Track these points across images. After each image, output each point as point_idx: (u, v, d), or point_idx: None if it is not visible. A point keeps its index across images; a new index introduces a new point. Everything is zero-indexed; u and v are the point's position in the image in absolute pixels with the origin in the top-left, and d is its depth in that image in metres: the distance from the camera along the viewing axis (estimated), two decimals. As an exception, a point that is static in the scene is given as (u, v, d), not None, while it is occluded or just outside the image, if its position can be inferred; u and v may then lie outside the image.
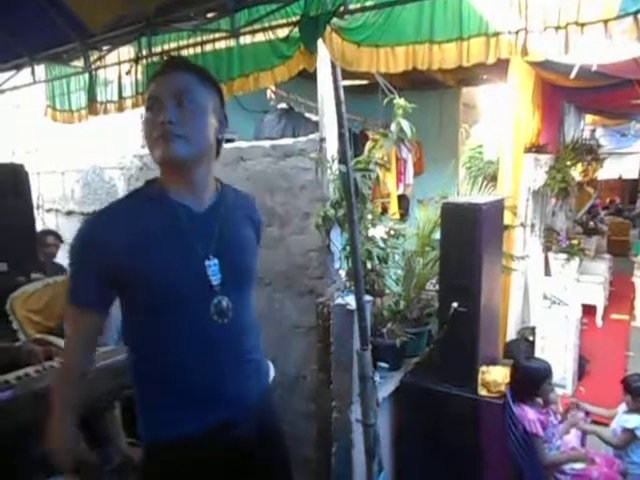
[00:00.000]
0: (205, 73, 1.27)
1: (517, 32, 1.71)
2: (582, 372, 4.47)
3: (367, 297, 2.35)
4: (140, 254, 1.14)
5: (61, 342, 2.42)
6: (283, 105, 3.75)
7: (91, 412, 2.28)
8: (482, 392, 2.61)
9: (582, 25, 1.61)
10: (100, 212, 1.22)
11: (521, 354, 3.24)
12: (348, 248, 2.49)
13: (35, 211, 3.95)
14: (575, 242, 5.19)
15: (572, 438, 2.76)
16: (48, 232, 3.93)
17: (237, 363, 1.24)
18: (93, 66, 2.84)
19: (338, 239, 2.57)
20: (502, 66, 3.29)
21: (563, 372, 4.15)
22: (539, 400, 2.60)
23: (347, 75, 2.18)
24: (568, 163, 4.74)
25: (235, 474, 1.25)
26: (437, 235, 3.06)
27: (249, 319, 1.30)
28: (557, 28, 1.68)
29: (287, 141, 2.71)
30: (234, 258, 1.25)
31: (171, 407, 1.19)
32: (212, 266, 1.20)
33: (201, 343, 1.19)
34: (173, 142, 1.14)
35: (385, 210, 3.68)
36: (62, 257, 3.84)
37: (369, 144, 2.60)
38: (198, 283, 1.18)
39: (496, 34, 1.78)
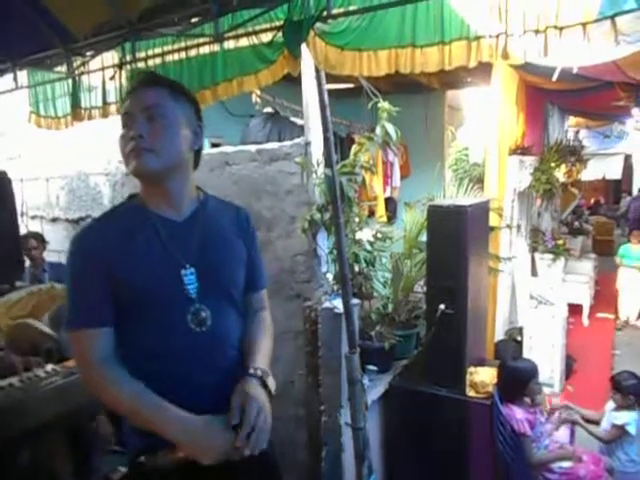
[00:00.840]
0: (176, 86, 1.29)
1: (497, 36, 1.73)
2: (569, 371, 4.52)
3: (355, 300, 2.35)
4: (125, 264, 1.17)
5: (45, 328, 2.39)
6: (269, 109, 3.76)
7: (78, 422, 2.25)
8: (470, 393, 2.62)
9: (561, 29, 1.64)
10: (88, 226, 1.25)
11: (510, 354, 3.27)
12: (335, 251, 2.49)
13: (20, 218, 3.90)
14: (561, 242, 5.25)
15: (562, 435, 2.79)
16: (29, 235, 3.84)
17: (217, 372, 1.23)
18: (77, 72, 2.82)
19: (325, 243, 2.57)
20: (485, 69, 3.32)
21: (550, 371, 4.20)
22: (527, 400, 2.62)
23: (332, 79, 2.20)
24: (552, 164, 4.79)
25: None
26: (424, 237, 3.07)
27: (232, 327, 1.29)
28: (536, 32, 1.70)
29: (273, 145, 2.71)
30: (213, 267, 1.25)
31: None
32: (189, 275, 1.21)
33: (178, 351, 1.20)
34: (143, 156, 1.17)
35: (372, 213, 3.70)
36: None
37: (355, 147, 2.61)
38: (175, 292, 1.20)
39: (477, 38, 1.80)
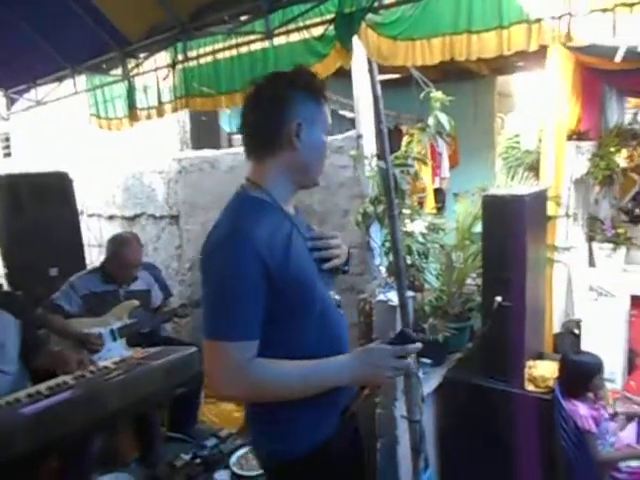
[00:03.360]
0: None
1: (560, 17, 1.66)
2: (632, 366, 4.31)
3: (409, 293, 2.33)
4: (288, 264, 1.14)
5: None
6: (316, 103, 3.74)
7: (144, 412, 2.34)
8: (529, 387, 2.55)
9: (631, 5, 1.55)
10: (244, 229, 1.13)
11: (569, 348, 3.15)
12: (387, 244, 2.47)
13: (79, 217, 4.09)
14: (621, 231, 4.99)
15: (628, 435, 2.67)
16: (132, 238, 3.02)
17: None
18: (131, 74, 2.91)
19: (377, 235, 2.56)
20: (539, 53, 3.16)
21: (612, 366, 4.01)
22: (590, 395, 2.52)
23: (379, 69, 2.16)
24: (612, 149, 4.55)
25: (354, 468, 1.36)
26: (477, 228, 3.00)
27: None
28: (604, 10, 1.62)
29: (323, 139, 2.70)
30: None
31: (310, 414, 1.19)
32: (319, 267, 1.25)
33: (337, 337, 1.25)
34: None
35: (420, 205, 3.64)
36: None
37: (406, 139, 2.58)
38: (322, 284, 1.23)
39: (538, 20, 1.73)
